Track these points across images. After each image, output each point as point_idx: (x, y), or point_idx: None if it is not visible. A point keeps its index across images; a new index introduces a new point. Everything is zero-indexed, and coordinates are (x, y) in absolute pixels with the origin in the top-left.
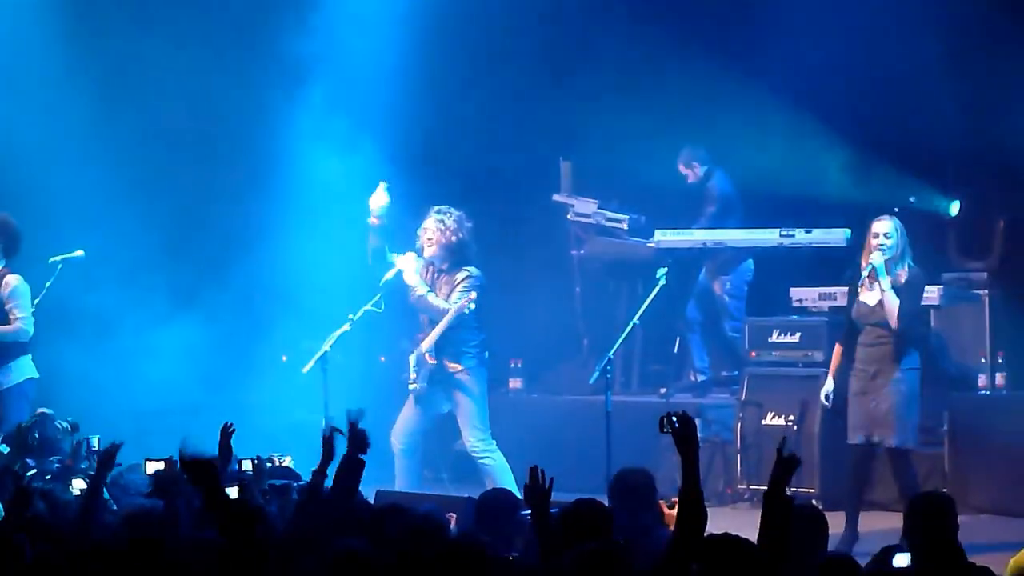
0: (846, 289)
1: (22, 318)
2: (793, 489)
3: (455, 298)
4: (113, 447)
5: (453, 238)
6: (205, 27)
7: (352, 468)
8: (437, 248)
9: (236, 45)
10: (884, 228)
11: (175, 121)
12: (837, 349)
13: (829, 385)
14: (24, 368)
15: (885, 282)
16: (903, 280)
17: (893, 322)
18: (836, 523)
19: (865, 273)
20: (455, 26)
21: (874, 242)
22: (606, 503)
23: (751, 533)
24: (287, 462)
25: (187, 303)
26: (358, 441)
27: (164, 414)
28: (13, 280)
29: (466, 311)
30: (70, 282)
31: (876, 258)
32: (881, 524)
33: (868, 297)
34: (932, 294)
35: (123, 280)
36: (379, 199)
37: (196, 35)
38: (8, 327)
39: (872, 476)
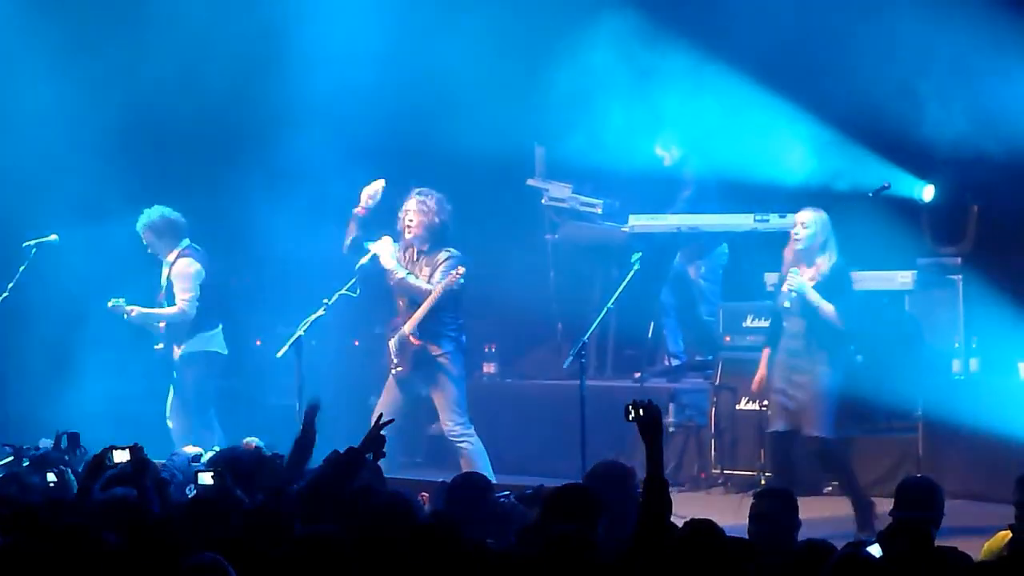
0: None
1: (187, 299)
2: (767, 474)
3: (439, 279)
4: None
5: (436, 219)
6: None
7: (355, 465)
8: (420, 229)
9: (217, 27)
10: (803, 218)
11: (150, 107)
12: (765, 353)
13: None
14: (208, 340)
15: (813, 296)
16: (824, 271)
17: (838, 323)
18: (806, 508)
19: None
20: (431, 10)
21: (793, 232)
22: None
23: (725, 517)
24: (254, 443)
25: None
26: (376, 444)
27: (138, 399)
28: (184, 263)
29: (455, 287)
30: (44, 266)
31: (793, 280)
32: (849, 509)
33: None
34: (906, 279)
35: (97, 265)
36: (373, 192)
37: (177, 15)
38: (172, 308)
39: (794, 462)
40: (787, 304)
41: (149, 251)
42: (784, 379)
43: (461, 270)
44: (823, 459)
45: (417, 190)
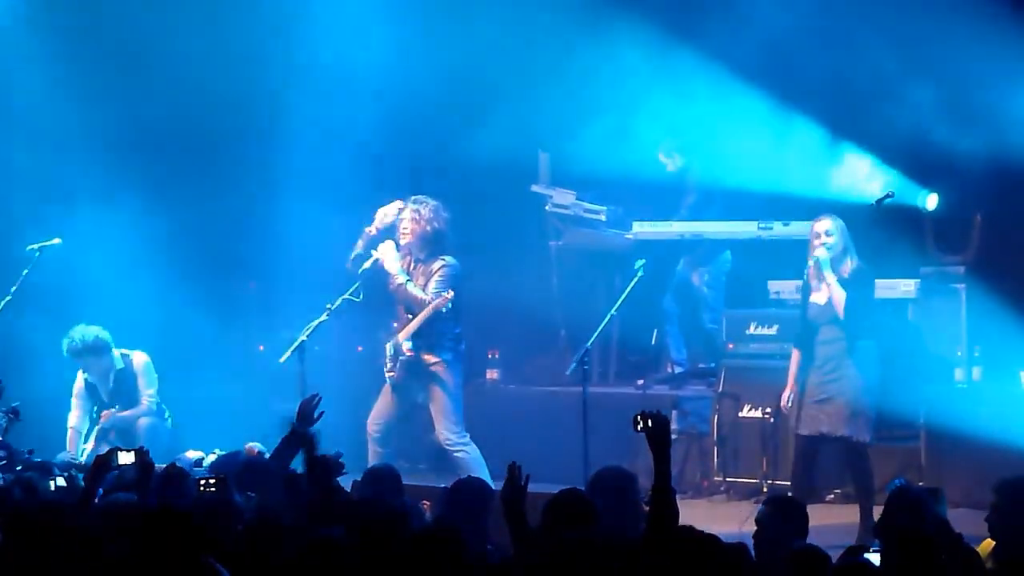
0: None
1: (151, 395)
2: (769, 482)
3: (432, 288)
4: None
5: (429, 228)
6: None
7: (294, 442)
8: (413, 237)
9: (221, 31)
10: (824, 227)
11: (157, 111)
12: (795, 355)
13: (788, 391)
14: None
15: (830, 276)
16: (847, 274)
17: (840, 313)
18: (813, 515)
19: (810, 265)
20: (435, 18)
21: (816, 242)
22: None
23: (727, 525)
24: (256, 448)
25: (166, 292)
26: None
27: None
28: (141, 360)
29: (443, 310)
30: (49, 270)
31: (820, 252)
32: (855, 517)
33: (818, 297)
34: (909, 287)
35: (103, 270)
36: (388, 216)
37: (188, 19)
38: (139, 410)
39: (817, 468)
40: (817, 301)
41: (91, 374)
42: (818, 384)
43: (450, 295)
44: (850, 459)
45: (413, 198)
